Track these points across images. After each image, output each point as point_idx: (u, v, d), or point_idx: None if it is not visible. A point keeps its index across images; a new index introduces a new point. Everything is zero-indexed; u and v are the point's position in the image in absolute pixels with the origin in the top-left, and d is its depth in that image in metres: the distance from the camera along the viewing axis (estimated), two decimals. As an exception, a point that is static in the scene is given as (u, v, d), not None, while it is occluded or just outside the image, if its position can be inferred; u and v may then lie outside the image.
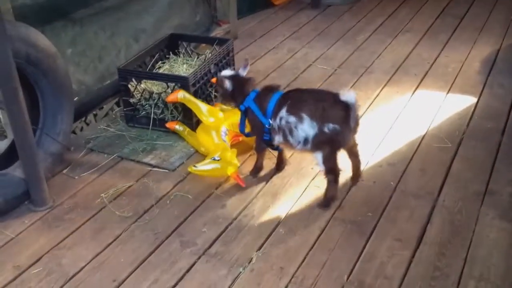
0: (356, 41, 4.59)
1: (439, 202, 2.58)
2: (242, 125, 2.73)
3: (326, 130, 2.41)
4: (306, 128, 2.46)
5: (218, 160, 2.70)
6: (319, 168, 2.56)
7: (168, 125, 3.14)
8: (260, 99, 2.65)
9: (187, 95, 2.99)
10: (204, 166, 2.72)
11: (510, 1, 5.39)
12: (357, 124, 2.47)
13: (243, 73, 2.75)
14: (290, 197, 2.68)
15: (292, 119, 2.49)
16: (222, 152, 2.74)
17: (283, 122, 2.53)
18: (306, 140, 2.49)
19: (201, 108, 2.97)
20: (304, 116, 2.45)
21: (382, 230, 2.42)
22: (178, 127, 3.12)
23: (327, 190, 2.58)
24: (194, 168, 2.71)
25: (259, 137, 2.70)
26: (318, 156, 2.49)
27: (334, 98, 2.42)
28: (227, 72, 2.80)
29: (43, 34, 2.61)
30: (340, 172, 2.54)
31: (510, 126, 3.20)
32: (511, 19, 4.93)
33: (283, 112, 2.52)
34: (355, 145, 2.61)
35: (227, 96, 2.75)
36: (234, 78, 2.73)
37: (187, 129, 3.11)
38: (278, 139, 2.60)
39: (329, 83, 3.85)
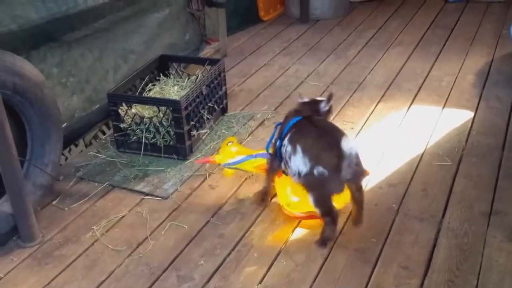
0: (347, 56, 4.53)
1: (444, 225, 2.50)
2: (269, 141, 2.62)
3: (315, 172, 2.27)
4: (298, 162, 2.33)
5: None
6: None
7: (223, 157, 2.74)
8: (284, 120, 2.55)
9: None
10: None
11: (499, 10, 5.40)
12: (357, 175, 2.29)
13: (324, 106, 2.57)
14: (289, 223, 2.58)
15: (289, 148, 2.39)
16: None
17: (284, 149, 2.43)
18: (299, 175, 2.35)
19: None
20: (298, 148, 2.33)
21: (387, 257, 2.33)
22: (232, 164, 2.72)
23: (323, 230, 2.41)
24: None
25: (272, 156, 2.56)
26: (310, 197, 2.35)
27: (335, 140, 2.25)
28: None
29: (29, 62, 2.51)
30: (337, 213, 2.38)
31: (510, 141, 3.14)
32: (501, 29, 4.91)
33: (286, 139, 2.42)
34: (358, 190, 2.40)
35: None
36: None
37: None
38: (281, 164, 2.51)
39: (323, 100, 3.78)
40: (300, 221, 2.58)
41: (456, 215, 2.57)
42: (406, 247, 2.38)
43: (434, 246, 2.38)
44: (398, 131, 3.34)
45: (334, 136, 2.30)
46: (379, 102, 3.73)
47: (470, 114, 3.48)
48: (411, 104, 3.67)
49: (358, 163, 2.27)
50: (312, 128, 2.40)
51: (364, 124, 3.43)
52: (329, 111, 2.59)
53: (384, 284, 2.19)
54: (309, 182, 2.33)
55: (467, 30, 4.94)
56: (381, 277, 2.23)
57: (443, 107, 3.60)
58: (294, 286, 2.21)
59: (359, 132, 3.35)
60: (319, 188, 2.32)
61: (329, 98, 2.55)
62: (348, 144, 2.19)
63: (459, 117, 3.45)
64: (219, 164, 2.78)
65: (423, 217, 2.56)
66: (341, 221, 2.53)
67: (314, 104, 2.57)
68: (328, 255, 2.37)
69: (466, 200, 2.67)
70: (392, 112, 3.58)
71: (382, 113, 3.57)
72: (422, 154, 3.07)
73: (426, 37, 4.85)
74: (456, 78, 4.01)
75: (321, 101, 2.57)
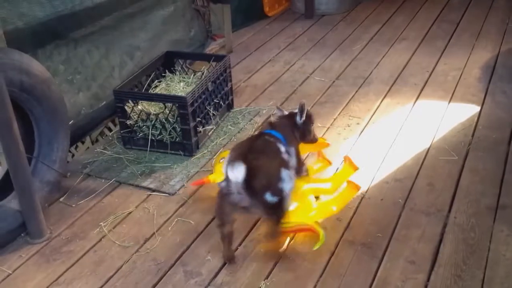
0: (352, 51, 4.52)
1: (451, 219, 2.50)
2: None
3: (221, 184, 2.22)
4: (223, 169, 2.23)
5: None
6: None
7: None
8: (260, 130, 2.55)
9: None
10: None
11: (504, 4, 5.37)
12: (260, 207, 2.17)
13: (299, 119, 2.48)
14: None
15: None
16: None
17: None
18: None
19: None
20: (228, 157, 2.24)
21: (393, 252, 2.34)
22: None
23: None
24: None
25: None
26: None
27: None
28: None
29: (36, 60, 2.53)
30: (226, 233, 2.27)
31: (516, 135, 3.14)
32: (507, 23, 4.89)
33: None
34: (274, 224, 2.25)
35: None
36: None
37: None
38: None
39: (328, 96, 3.78)
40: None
41: (462, 209, 2.57)
42: (413, 242, 2.38)
43: (441, 240, 2.38)
44: (404, 126, 3.34)
45: (244, 160, 2.11)
46: (385, 97, 3.72)
47: (476, 109, 3.47)
48: (417, 99, 3.66)
49: (254, 195, 2.14)
50: (249, 144, 2.29)
51: (370, 119, 3.43)
52: (308, 122, 2.48)
53: (390, 279, 2.20)
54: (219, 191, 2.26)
55: (472, 25, 4.91)
56: (388, 272, 2.23)
57: (449, 102, 3.59)
58: (300, 281, 2.22)
59: (365, 127, 3.35)
60: (218, 199, 2.23)
61: (301, 110, 2.43)
62: (231, 172, 2.08)
63: (465, 111, 3.45)
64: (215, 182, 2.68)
65: (430, 212, 2.56)
66: (347, 216, 2.55)
67: (292, 117, 2.49)
68: (335, 251, 2.37)
69: (472, 195, 2.66)
70: (398, 107, 3.57)
71: (388, 108, 3.57)
72: (428, 149, 3.07)
73: (431, 32, 4.83)
74: (461, 73, 4.00)
75: (297, 113, 2.47)
